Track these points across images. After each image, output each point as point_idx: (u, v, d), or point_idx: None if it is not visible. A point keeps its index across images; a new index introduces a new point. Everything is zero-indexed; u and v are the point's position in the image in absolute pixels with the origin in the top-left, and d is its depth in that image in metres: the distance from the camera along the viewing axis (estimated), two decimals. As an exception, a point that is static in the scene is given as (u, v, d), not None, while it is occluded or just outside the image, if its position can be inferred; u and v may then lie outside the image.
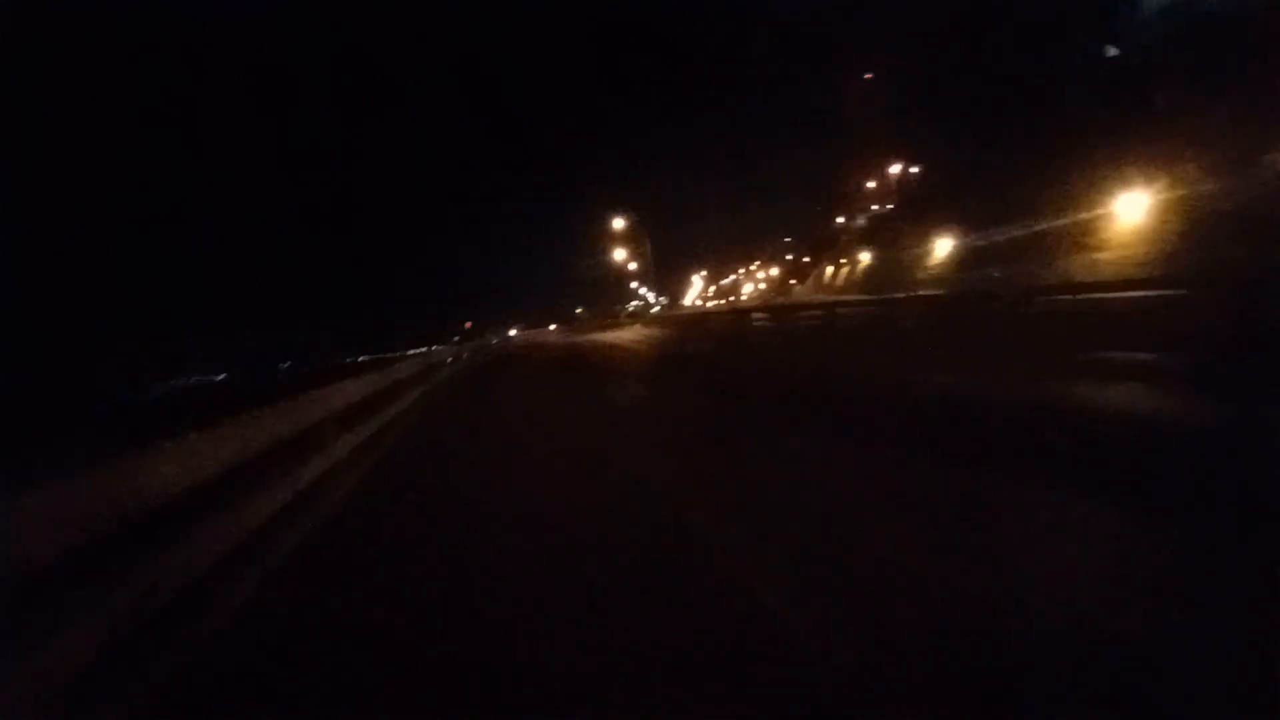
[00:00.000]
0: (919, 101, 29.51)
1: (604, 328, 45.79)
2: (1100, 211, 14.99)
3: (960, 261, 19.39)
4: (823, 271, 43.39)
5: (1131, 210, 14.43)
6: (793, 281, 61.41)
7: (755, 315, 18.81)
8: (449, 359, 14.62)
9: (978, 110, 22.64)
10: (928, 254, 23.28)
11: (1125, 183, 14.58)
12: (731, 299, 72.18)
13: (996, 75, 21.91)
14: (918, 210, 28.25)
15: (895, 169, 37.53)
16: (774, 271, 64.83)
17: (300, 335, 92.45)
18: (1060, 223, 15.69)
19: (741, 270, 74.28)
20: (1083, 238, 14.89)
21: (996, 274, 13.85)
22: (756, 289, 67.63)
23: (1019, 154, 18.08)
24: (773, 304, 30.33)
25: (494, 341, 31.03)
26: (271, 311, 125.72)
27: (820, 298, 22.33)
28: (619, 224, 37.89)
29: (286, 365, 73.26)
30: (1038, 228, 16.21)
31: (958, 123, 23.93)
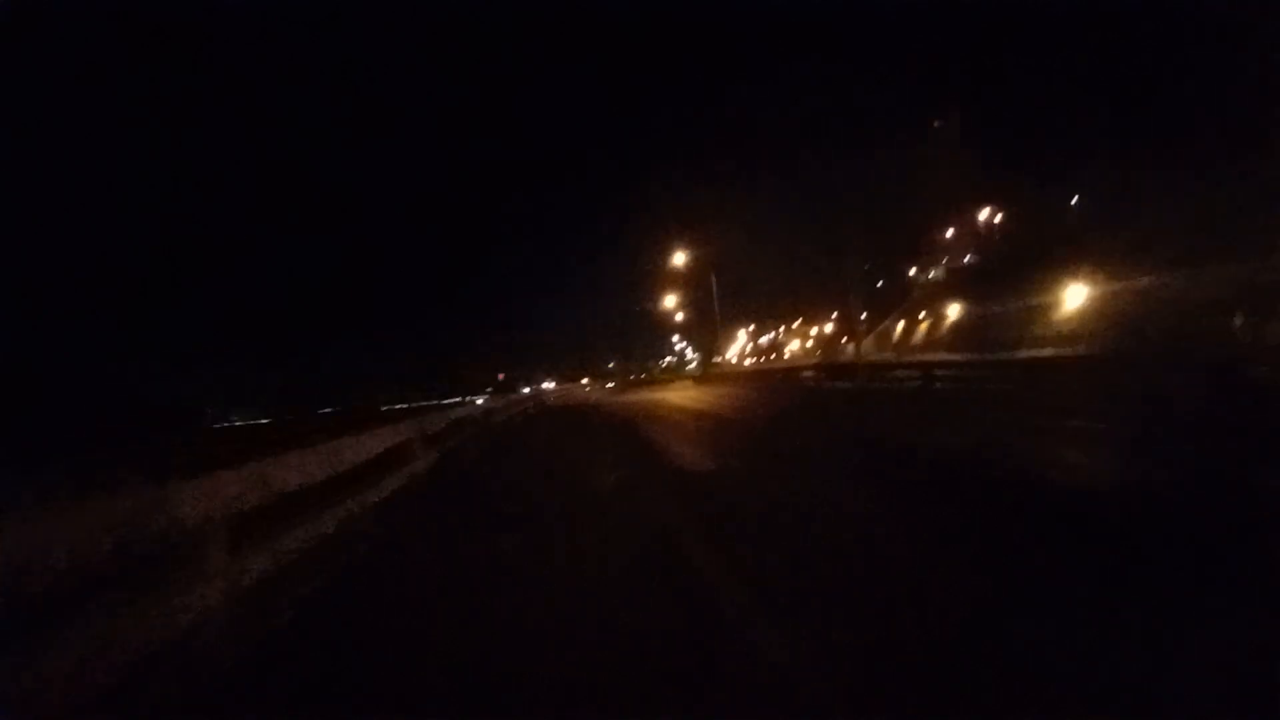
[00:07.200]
0: (1030, 133, 26.76)
1: (650, 384, 42.70)
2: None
3: (1126, 312, 15.83)
4: (891, 328, 39.84)
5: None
6: (845, 339, 57.68)
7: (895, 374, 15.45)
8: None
9: (1121, 132, 19.71)
10: (1054, 304, 19.82)
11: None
12: (773, 356, 68.48)
13: (1155, 92, 19.10)
14: (1017, 258, 25.04)
15: (983, 214, 34.55)
16: (828, 328, 61.29)
17: (325, 380, 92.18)
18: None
19: (783, 327, 70.76)
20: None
21: (1238, 321, 10.54)
22: (803, 346, 63.91)
23: (1199, 179, 14.87)
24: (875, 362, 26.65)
25: (527, 391, 28.20)
26: (296, 355, 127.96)
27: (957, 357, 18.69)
28: (679, 260, 35.07)
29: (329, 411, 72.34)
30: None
31: (1103, 148, 20.96)
